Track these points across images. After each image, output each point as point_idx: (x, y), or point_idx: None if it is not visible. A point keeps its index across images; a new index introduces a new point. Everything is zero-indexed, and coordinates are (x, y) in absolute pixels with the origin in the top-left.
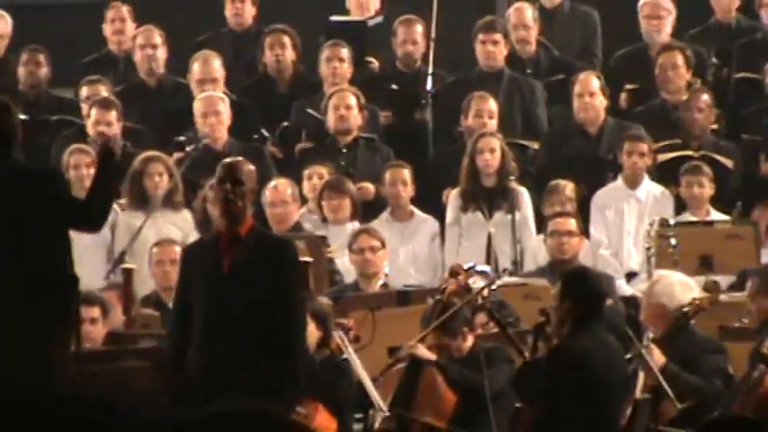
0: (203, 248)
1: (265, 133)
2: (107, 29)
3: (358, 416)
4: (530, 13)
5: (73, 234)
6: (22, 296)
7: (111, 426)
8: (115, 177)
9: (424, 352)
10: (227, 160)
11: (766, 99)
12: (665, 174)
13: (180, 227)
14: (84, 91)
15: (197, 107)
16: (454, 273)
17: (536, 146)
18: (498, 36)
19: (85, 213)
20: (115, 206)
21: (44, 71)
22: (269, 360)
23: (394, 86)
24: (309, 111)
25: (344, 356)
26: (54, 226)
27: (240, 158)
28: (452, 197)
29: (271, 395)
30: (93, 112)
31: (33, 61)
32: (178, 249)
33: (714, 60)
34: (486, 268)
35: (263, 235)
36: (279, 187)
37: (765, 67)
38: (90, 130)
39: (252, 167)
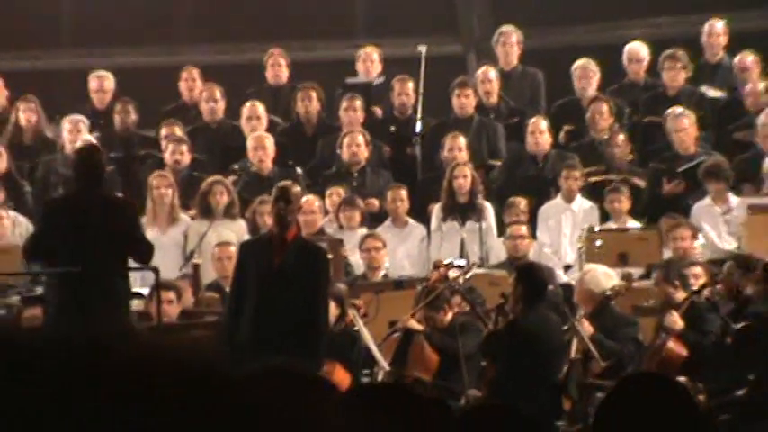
0: (258, 246)
1: (298, 170)
2: (182, 85)
3: (366, 371)
4: (492, 73)
5: (156, 236)
6: (107, 282)
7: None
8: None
9: (414, 324)
10: (281, 184)
11: (665, 137)
12: (593, 192)
13: (235, 232)
14: (163, 131)
15: (249, 143)
16: (437, 266)
17: (498, 163)
18: (469, 91)
19: (136, 249)
20: (186, 216)
21: (133, 117)
22: (302, 331)
23: (392, 129)
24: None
25: (356, 328)
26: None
27: (290, 182)
28: (435, 210)
29: (302, 357)
30: (170, 146)
31: (125, 110)
32: (233, 249)
33: (628, 109)
34: (461, 262)
35: (303, 241)
36: (308, 202)
37: (664, 113)
38: (167, 160)
39: (298, 189)
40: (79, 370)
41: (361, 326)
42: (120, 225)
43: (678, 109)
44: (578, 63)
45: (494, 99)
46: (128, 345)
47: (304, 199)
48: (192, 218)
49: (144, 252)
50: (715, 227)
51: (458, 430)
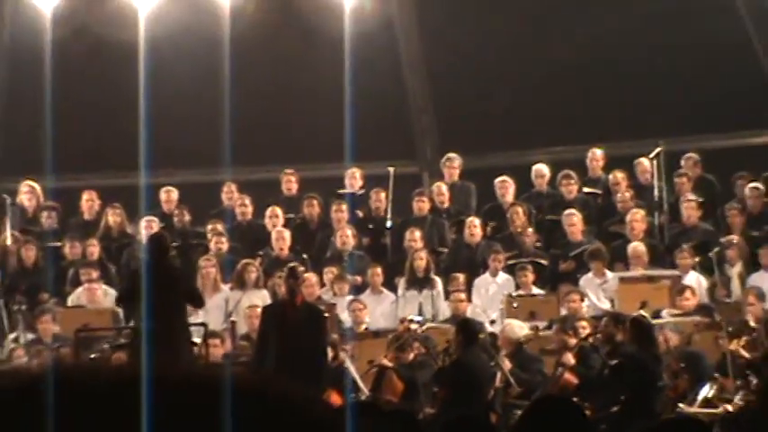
0: (276, 308)
1: (304, 255)
2: (223, 195)
3: (352, 396)
4: (444, 187)
5: (209, 301)
6: (176, 332)
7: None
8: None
9: (386, 362)
10: (290, 265)
11: (562, 230)
12: (511, 270)
13: (260, 299)
14: (209, 227)
15: (273, 236)
16: (402, 321)
17: (445, 249)
18: (424, 198)
19: (195, 299)
20: (226, 287)
21: (187, 218)
22: (310, 367)
23: (370, 225)
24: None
25: (346, 365)
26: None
27: (297, 264)
28: (401, 283)
29: (310, 386)
30: (214, 238)
31: (182, 213)
32: (259, 310)
33: (535, 211)
34: (419, 318)
35: (308, 304)
36: (309, 277)
37: (563, 214)
38: (212, 248)
39: (302, 269)
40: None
41: (349, 364)
42: (181, 286)
43: (571, 210)
44: (499, 178)
45: (445, 203)
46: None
47: (306, 275)
48: (231, 288)
49: (198, 300)
50: (596, 293)
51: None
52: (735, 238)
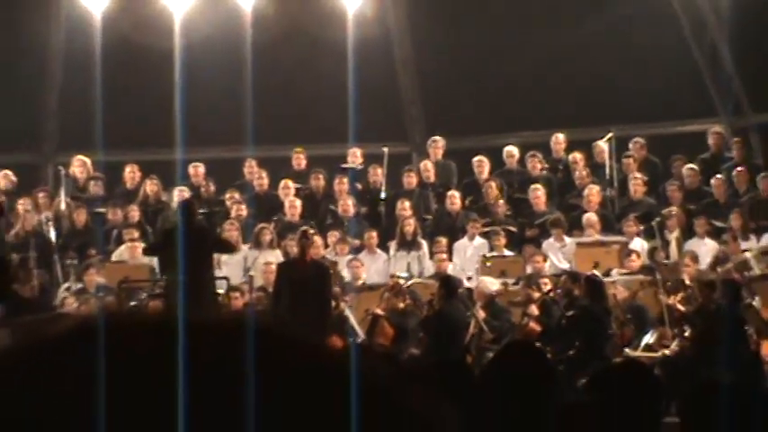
0: (289, 265)
1: (311, 221)
2: (245, 170)
3: (351, 340)
4: (429, 165)
5: (226, 258)
6: (204, 283)
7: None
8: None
9: (378, 311)
10: (302, 228)
11: (529, 202)
12: (485, 235)
13: (275, 257)
14: (228, 195)
15: (286, 204)
16: (392, 276)
17: (430, 217)
18: (413, 174)
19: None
20: (245, 247)
21: (212, 188)
22: (317, 315)
23: (367, 196)
24: (331, 207)
25: (346, 313)
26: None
27: (307, 227)
28: (393, 245)
29: (317, 331)
30: (234, 206)
31: (208, 184)
32: (273, 267)
33: (505, 186)
34: (405, 275)
35: (316, 262)
36: (316, 239)
37: (529, 188)
38: (233, 213)
39: (313, 232)
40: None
41: (348, 313)
42: (211, 241)
43: (536, 185)
44: (476, 158)
45: (430, 177)
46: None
47: (314, 237)
48: (249, 248)
49: (231, 247)
50: (556, 255)
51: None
52: (673, 209)
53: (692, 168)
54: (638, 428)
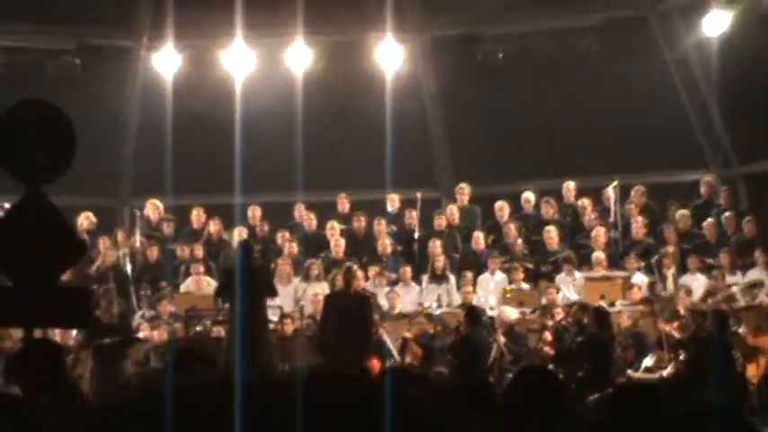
0: (335, 296)
1: (354, 258)
2: (295, 213)
3: (390, 360)
4: (455, 209)
5: (280, 289)
6: (258, 312)
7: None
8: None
9: (407, 334)
10: (347, 265)
11: (543, 242)
12: (505, 270)
13: (321, 288)
14: (279, 235)
15: (331, 243)
16: (420, 305)
17: (457, 255)
18: (443, 216)
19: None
20: (296, 279)
21: (266, 228)
22: (359, 340)
23: (403, 236)
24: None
25: (384, 338)
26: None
27: (351, 264)
28: (425, 279)
29: (360, 353)
30: (286, 244)
31: (263, 224)
32: (321, 297)
33: (523, 228)
34: (436, 304)
35: (358, 293)
36: (359, 274)
37: (544, 230)
38: (285, 250)
39: (356, 267)
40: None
41: (386, 338)
42: (261, 280)
43: (549, 227)
44: (498, 203)
45: (456, 221)
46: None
47: (357, 272)
48: (299, 281)
49: (272, 291)
50: (568, 288)
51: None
52: (670, 248)
53: (684, 213)
54: None
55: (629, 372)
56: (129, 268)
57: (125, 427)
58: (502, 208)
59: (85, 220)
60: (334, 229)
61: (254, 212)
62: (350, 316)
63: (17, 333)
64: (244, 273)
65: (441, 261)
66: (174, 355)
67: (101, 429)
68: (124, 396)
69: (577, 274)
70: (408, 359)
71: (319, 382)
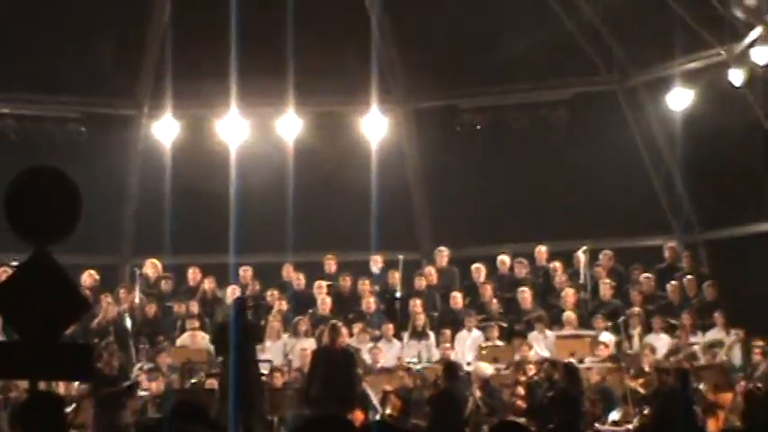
0: (322, 351)
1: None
2: (284, 273)
3: (371, 412)
4: (433, 271)
5: (270, 344)
6: (250, 365)
7: None
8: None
9: (387, 387)
10: (332, 322)
11: (517, 301)
12: (482, 328)
13: (310, 344)
14: (269, 293)
15: (318, 301)
16: (399, 360)
17: (436, 313)
18: (423, 277)
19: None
20: (285, 335)
21: (257, 287)
22: (344, 392)
23: (386, 295)
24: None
25: (367, 391)
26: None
27: (336, 321)
28: (406, 335)
29: (344, 406)
30: (276, 302)
31: (254, 283)
32: (309, 352)
33: (498, 288)
34: (416, 360)
35: (344, 348)
36: (344, 330)
37: (517, 290)
38: (275, 307)
39: (341, 324)
40: None
41: (369, 391)
42: (255, 335)
43: (523, 287)
44: (475, 265)
45: (435, 282)
46: None
47: (342, 329)
48: (288, 336)
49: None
50: (539, 345)
51: None
52: (635, 309)
53: (648, 276)
54: None
55: (597, 425)
56: (128, 323)
57: None
58: (478, 270)
59: (89, 278)
60: (321, 288)
61: (246, 272)
62: (335, 369)
63: (23, 384)
64: (238, 328)
65: (421, 319)
66: (171, 406)
67: None
68: None
69: (549, 333)
70: (388, 410)
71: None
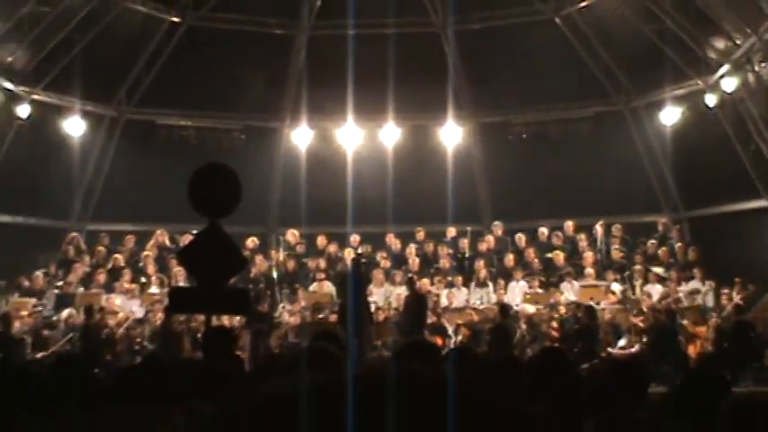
0: (410, 295)
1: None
2: (387, 240)
3: (447, 339)
4: (491, 239)
5: (378, 290)
6: (364, 304)
7: None
8: None
9: (459, 321)
10: (409, 276)
11: (554, 262)
12: (527, 280)
13: (403, 291)
14: (377, 254)
15: (410, 259)
16: (467, 302)
17: (494, 269)
18: (485, 243)
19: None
20: (387, 284)
21: (368, 249)
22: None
23: (458, 256)
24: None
25: (445, 324)
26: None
27: (414, 276)
28: (472, 285)
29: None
30: (381, 260)
31: (365, 249)
32: (403, 296)
33: (539, 251)
34: (479, 302)
35: (418, 294)
36: (424, 281)
37: (553, 252)
38: (381, 265)
39: (416, 278)
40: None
41: (446, 323)
42: (364, 285)
43: (556, 251)
44: (517, 234)
45: (493, 247)
46: None
47: (423, 280)
48: (389, 284)
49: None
50: (568, 292)
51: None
52: (637, 267)
53: (653, 242)
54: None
55: (609, 349)
56: (275, 275)
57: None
58: (520, 238)
59: (251, 242)
60: (411, 250)
61: (356, 238)
62: (413, 309)
63: (201, 317)
64: (353, 278)
65: (483, 273)
66: (312, 334)
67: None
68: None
69: (575, 283)
70: (460, 338)
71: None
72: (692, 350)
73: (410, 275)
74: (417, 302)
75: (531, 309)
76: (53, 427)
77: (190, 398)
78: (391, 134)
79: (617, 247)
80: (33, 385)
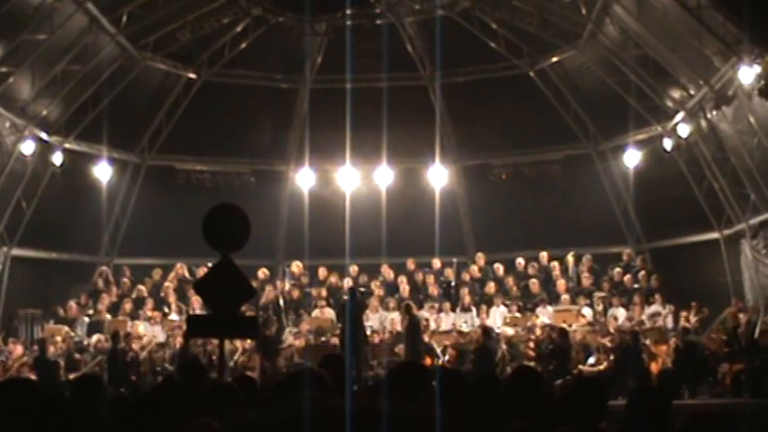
0: (408, 320)
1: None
2: (382, 269)
3: (436, 359)
4: (475, 268)
5: (373, 315)
6: (360, 328)
7: None
8: None
9: (446, 342)
10: (406, 302)
11: (530, 289)
12: (506, 306)
13: (396, 316)
14: (372, 283)
15: (401, 287)
16: (454, 325)
17: (477, 297)
18: (468, 273)
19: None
20: (381, 310)
21: (365, 279)
22: (412, 348)
23: (443, 284)
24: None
25: (433, 345)
26: (362, 314)
27: (409, 302)
28: (458, 310)
29: (415, 356)
30: (376, 289)
31: (359, 277)
32: (396, 320)
33: (517, 280)
34: (464, 325)
35: (412, 319)
36: (416, 307)
37: (528, 281)
38: (375, 293)
39: (411, 303)
40: None
41: (434, 345)
42: (361, 311)
43: (533, 279)
44: (495, 264)
45: (476, 276)
46: None
47: (413, 305)
48: (383, 310)
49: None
50: (544, 316)
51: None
52: (603, 293)
53: (618, 270)
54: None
55: (580, 366)
56: (281, 302)
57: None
58: (498, 268)
59: (262, 273)
60: (403, 280)
61: (354, 268)
62: (407, 333)
63: (215, 340)
64: (351, 305)
65: (467, 299)
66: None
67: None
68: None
69: (549, 308)
70: (447, 357)
71: (398, 369)
72: (653, 367)
73: (407, 303)
74: (414, 327)
75: (510, 331)
76: None
77: (202, 415)
78: (385, 175)
79: (586, 275)
80: (60, 410)
